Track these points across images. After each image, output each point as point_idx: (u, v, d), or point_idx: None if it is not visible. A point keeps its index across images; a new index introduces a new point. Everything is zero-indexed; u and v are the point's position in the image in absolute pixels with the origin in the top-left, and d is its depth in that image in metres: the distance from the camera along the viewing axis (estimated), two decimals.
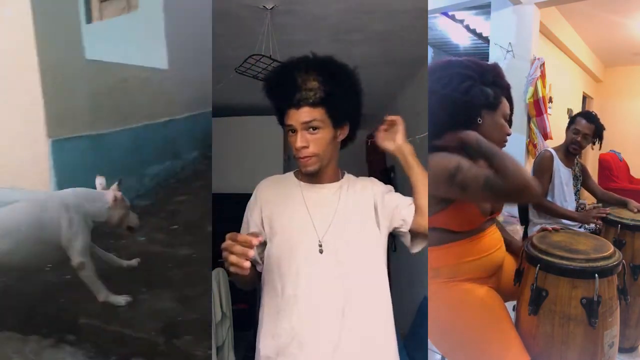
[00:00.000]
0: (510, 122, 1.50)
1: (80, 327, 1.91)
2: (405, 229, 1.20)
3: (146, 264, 2.39)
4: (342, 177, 1.26)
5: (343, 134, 1.21)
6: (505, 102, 1.42)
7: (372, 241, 1.20)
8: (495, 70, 1.42)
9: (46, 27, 2.82)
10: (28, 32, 2.72)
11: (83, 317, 1.94)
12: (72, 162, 2.95)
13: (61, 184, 2.82)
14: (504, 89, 1.43)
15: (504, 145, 1.47)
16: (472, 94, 1.33)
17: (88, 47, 3.28)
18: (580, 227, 2.68)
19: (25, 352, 1.79)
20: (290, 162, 3.82)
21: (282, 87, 1.14)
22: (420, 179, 1.21)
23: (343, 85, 1.17)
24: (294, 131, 1.14)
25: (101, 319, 1.92)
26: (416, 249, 1.25)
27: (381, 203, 1.22)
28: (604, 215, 2.27)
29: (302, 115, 1.12)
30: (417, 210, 1.20)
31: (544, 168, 2.59)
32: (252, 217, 1.23)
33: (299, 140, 1.13)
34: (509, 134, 1.44)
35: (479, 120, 1.37)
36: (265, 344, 1.16)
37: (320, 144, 1.15)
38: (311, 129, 1.13)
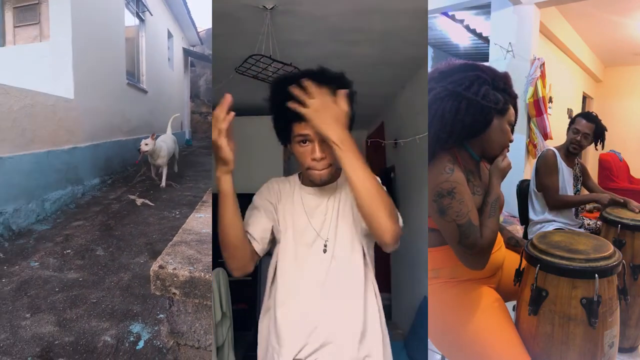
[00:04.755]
0: (512, 131, 1.52)
1: None
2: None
3: (34, 289, 2.47)
4: (339, 175, 1.27)
5: None
6: (512, 110, 1.45)
7: (358, 238, 1.21)
8: (507, 78, 1.46)
9: None
10: None
11: None
12: None
13: None
14: (512, 98, 1.46)
15: (507, 151, 1.48)
16: (490, 98, 1.35)
17: None
18: (580, 227, 2.69)
19: None
20: (290, 163, 3.83)
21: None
22: (364, 186, 1.03)
23: (351, 99, 1.16)
24: (307, 142, 1.14)
25: None
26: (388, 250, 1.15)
27: None
28: (621, 200, 2.36)
29: None
30: (371, 229, 1.08)
31: (551, 166, 2.60)
32: (266, 206, 1.23)
33: (319, 151, 1.13)
34: (511, 141, 1.47)
35: None
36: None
37: (333, 153, 1.15)
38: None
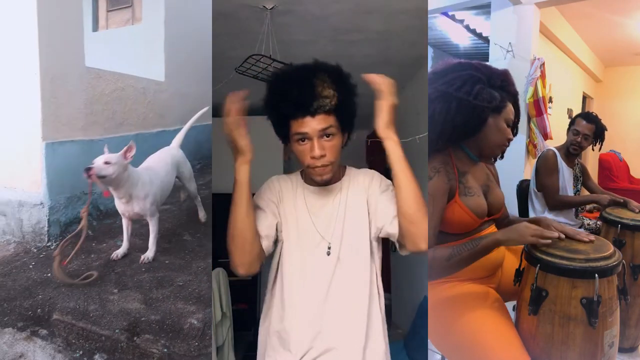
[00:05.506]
0: (515, 129, 1.51)
1: (53, 322, 2.02)
2: (393, 239, 1.18)
3: (120, 267, 2.52)
4: (343, 175, 1.25)
5: (345, 139, 1.20)
6: (510, 107, 1.44)
7: (366, 240, 1.20)
8: (505, 75, 1.44)
9: (49, 32, 2.84)
10: (31, 36, 2.75)
11: (57, 313, 2.05)
12: (63, 166, 2.98)
13: (52, 186, 2.87)
14: (511, 95, 1.45)
15: (504, 150, 1.48)
16: (482, 97, 1.34)
17: (89, 55, 3.33)
18: (580, 227, 2.69)
19: (0, 344, 1.91)
20: (291, 163, 3.82)
21: (301, 95, 1.09)
22: (405, 183, 1.10)
23: (350, 93, 1.16)
24: (305, 140, 1.12)
25: (72, 315, 2.03)
26: (407, 252, 1.20)
27: (374, 205, 1.19)
28: (620, 200, 2.35)
29: (319, 122, 1.10)
30: (402, 225, 1.11)
31: (551, 166, 2.60)
32: (269, 205, 1.21)
33: (318, 149, 1.11)
34: (510, 139, 1.46)
35: None
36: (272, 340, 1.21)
37: (335, 151, 1.14)
38: (325, 137, 1.12)
